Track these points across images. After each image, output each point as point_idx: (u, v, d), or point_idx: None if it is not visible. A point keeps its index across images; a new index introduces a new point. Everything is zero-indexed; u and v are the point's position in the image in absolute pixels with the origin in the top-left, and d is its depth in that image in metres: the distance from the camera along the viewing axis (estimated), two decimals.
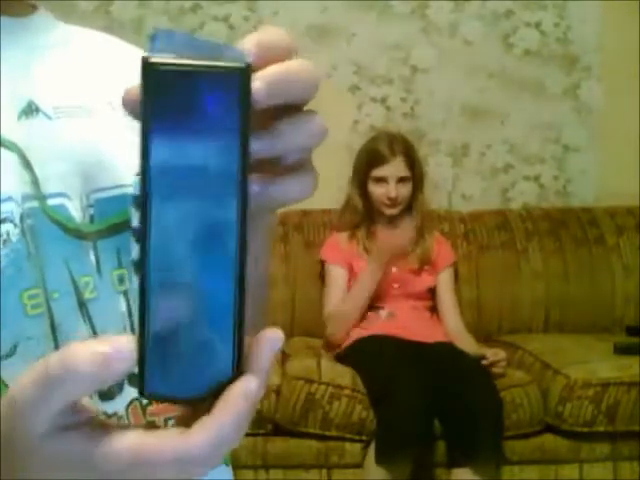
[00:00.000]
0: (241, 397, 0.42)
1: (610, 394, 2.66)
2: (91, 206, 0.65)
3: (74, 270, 0.63)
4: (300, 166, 0.49)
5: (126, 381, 0.65)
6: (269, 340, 0.43)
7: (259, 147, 0.45)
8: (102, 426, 0.44)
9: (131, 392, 0.65)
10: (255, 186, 0.46)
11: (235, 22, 3.42)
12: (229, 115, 0.41)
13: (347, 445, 2.63)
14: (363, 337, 2.84)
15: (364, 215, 3.05)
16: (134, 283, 0.42)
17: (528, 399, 2.68)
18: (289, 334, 3.04)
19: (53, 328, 0.61)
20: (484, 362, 2.73)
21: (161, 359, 0.42)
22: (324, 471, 2.64)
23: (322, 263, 3.10)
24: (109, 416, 0.64)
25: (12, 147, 0.61)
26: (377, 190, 3.00)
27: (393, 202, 2.99)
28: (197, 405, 0.43)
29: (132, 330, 0.65)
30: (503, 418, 2.57)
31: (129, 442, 0.42)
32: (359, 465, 2.61)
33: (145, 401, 0.66)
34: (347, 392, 2.63)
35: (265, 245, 0.62)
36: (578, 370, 2.71)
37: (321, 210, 3.19)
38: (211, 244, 0.41)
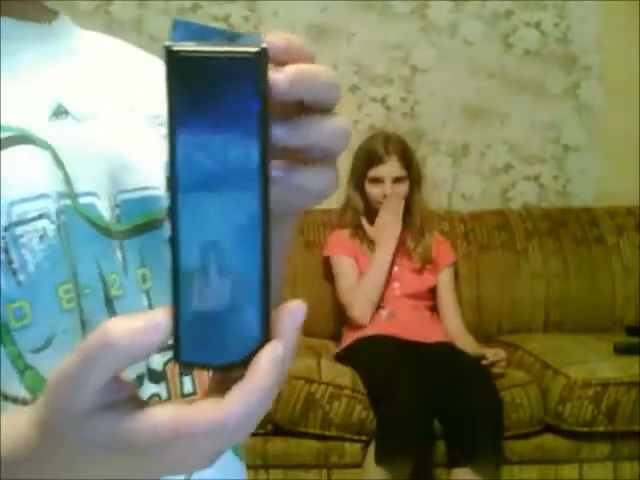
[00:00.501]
0: (269, 364, 0.43)
1: (610, 394, 2.66)
2: (117, 206, 0.67)
3: (103, 267, 0.64)
4: (324, 162, 0.50)
5: (146, 377, 0.66)
6: (292, 311, 0.45)
7: (282, 134, 0.47)
8: (141, 404, 0.45)
9: (151, 388, 0.67)
10: (278, 172, 0.48)
11: (235, 22, 3.42)
12: (249, 97, 0.43)
13: (347, 445, 2.63)
14: (363, 337, 2.85)
15: (364, 215, 3.05)
16: (167, 261, 0.44)
17: (528, 399, 2.68)
18: None
19: (82, 323, 0.63)
20: (484, 362, 2.73)
21: (194, 328, 0.44)
22: (324, 471, 2.64)
23: (326, 260, 3.10)
24: None
25: (45, 146, 0.63)
26: (373, 190, 3.01)
27: None
28: (229, 372, 0.45)
29: None
30: (503, 418, 2.57)
31: (167, 415, 0.44)
32: (359, 465, 2.61)
33: (164, 396, 0.68)
34: (347, 392, 2.63)
35: (282, 254, 0.63)
36: (578, 370, 2.71)
37: (321, 210, 3.19)
38: (237, 220, 0.43)
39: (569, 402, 2.66)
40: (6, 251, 0.59)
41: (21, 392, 0.60)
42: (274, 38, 0.46)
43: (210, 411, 0.44)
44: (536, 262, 3.24)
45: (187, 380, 0.70)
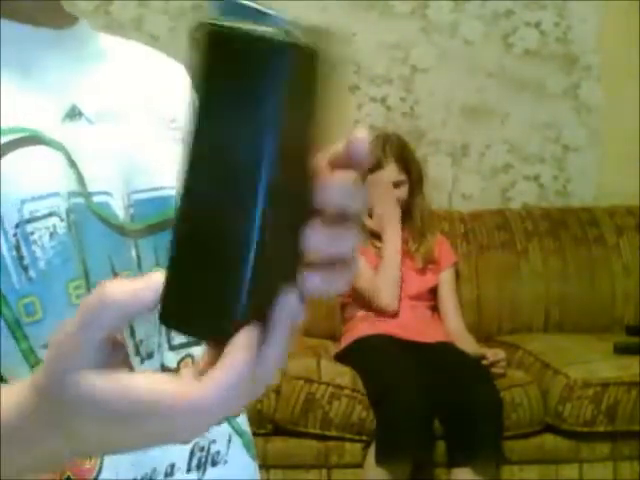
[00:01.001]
0: (241, 350, 0.44)
1: (610, 394, 2.66)
2: (131, 206, 0.68)
3: (116, 264, 0.66)
4: (345, 265, 0.49)
5: (167, 344, 0.68)
6: (286, 301, 0.46)
7: (320, 242, 0.47)
8: (129, 369, 0.47)
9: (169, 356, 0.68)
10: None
11: None
12: (269, 85, 0.43)
13: (347, 445, 2.63)
14: (363, 337, 2.84)
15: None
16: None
17: (528, 399, 2.68)
18: None
19: None
20: (484, 362, 2.73)
21: (181, 295, 0.45)
22: (324, 471, 2.64)
23: None
24: None
25: (58, 147, 0.65)
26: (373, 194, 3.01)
27: None
28: (217, 345, 0.45)
29: None
30: (503, 418, 2.57)
31: (146, 390, 0.45)
32: (359, 465, 2.61)
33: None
34: (347, 392, 2.63)
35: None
36: (578, 370, 2.71)
37: None
38: (236, 196, 0.43)
39: (569, 402, 2.66)
40: (17, 248, 0.61)
41: None
42: (359, 134, 0.48)
43: (187, 392, 0.44)
44: (536, 262, 3.24)
45: None
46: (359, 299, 2.94)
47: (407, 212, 3.03)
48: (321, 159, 0.47)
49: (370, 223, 3.02)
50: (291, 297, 0.46)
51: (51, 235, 0.62)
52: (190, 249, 0.44)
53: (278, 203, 0.44)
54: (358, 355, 2.77)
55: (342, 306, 3.05)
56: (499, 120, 3.52)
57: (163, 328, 0.67)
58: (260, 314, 0.45)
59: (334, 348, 2.96)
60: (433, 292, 3.04)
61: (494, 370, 2.72)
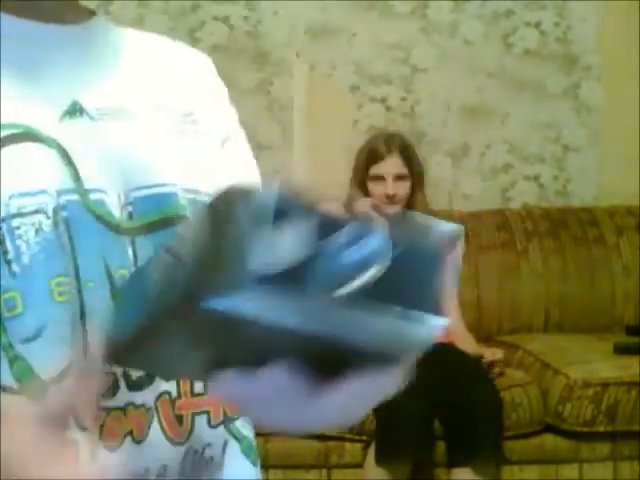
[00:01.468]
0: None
1: (610, 394, 2.66)
2: (130, 204, 0.68)
3: (110, 262, 0.66)
4: None
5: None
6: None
7: None
8: None
9: (162, 385, 0.67)
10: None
11: (235, 22, 3.42)
12: None
13: (347, 445, 2.63)
14: None
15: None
16: None
17: (528, 399, 2.68)
18: None
19: (83, 316, 0.64)
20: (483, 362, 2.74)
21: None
22: (324, 471, 2.64)
23: None
24: (137, 407, 0.66)
25: (51, 143, 0.65)
26: (375, 188, 3.01)
27: (391, 200, 2.98)
28: None
29: None
30: (503, 418, 2.57)
31: None
32: (359, 465, 2.61)
33: (174, 395, 0.68)
34: None
35: None
36: (578, 370, 2.71)
37: None
38: None
39: (569, 402, 2.66)
40: (1, 241, 0.62)
41: (9, 382, 0.61)
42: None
43: None
44: (536, 262, 3.24)
45: None
46: None
47: (408, 209, 3.03)
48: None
49: None
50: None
51: (36, 231, 0.62)
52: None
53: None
54: None
55: None
56: (499, 120, 3.52)
57: None
58: None
59: None
60: None
61: (493, 370, 2.72)
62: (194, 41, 3.23)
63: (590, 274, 3.23)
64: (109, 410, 0.64)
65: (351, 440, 2.62)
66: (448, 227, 0.46)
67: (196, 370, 0.47)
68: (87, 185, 0.66)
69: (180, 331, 0.44)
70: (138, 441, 0.66)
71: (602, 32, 3.52)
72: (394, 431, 2.49)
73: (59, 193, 0.64)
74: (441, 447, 2.61)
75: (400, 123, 3.44)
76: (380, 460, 2.49)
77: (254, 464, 0.76)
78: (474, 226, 3.30)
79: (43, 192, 0.63)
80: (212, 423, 0.70)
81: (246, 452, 0.75)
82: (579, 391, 2.67)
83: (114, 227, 0.66)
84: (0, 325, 0.61)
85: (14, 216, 0.62)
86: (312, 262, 0.42)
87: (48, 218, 0.63)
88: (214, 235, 0.43)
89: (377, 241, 0.43)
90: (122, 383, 0.65)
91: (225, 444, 0.72)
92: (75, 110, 0.68)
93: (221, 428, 0.72)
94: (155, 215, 0.68)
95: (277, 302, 0.41)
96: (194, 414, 0.69)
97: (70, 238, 0.64)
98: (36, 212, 0.63)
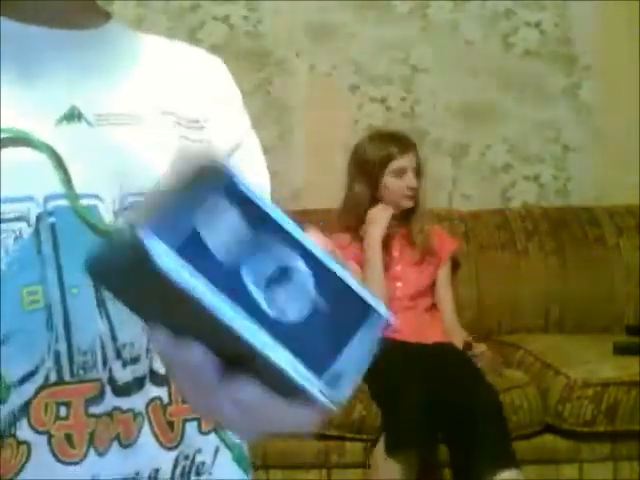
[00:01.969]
0: None
1: (610, 394, 2.66)
2: (126, 209, 0.68)
3: None
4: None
5: (148, 379, 0.68)
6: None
7: None
8: None
9: (152, 390, 0.68)
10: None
11: (235, 22, 3.42)
12: None
13: (347, 444, 2.63)
14: None
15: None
16: None
17: (527, 401, 2.68)
18: None
19: (67, 322, 0.64)
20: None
21: None
22: (324, 471, 2.64)
23: None
24: (123, 412, 0.67)
25: (43, 148, 0.65)
26: (397, 183, 2.94)
27: (412, 192, 2.96)
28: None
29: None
30: (505, 418, 2.56)
31: None
32: (359, 465, 2.61)
33: (166, 401, 0.69)
34: None
35: None
36: (578, 370, 2.71)
37: (321, 210, 3.19)
38: None
39: (569, 402, 2.66)
40: None
41: None
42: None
43: None
44: (536, 262, 3.24)
45: None
46: None
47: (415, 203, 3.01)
48: None
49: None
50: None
51: (15, 239, 0.63)
52: None
53: None
54: None
55: None
56: (499, 120, 3.52)
57: None
58: None
59: None
60: (432, 287, 3.03)
61: (489, 368, 2.73)
62: (194, 41, 3.22)
63: (590, 274, 3.23)
64: (97, 416, 0.66)
65: (351, 440, 2.62)
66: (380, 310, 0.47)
67: (146, 318, 0.48)
68: (80, 190, 0.66)
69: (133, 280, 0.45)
70: (126, 445, 0.67)
71: (602, 32, 3.52)
72: (401, 420, 2.49)
73: (47, 199, 0.64)
74: (442, 447, 2.61)
75: (400, 123, 3.44)
76: (391, 451, 2.48)
77: (245, 472, 0.76)
78: (474, 226, 3.30)
79: (29, 198, 0.64)
80: (203, 430, 0.71)
81: (238, 460, 0.75)
82: (579, 391, 2.67)
83: (103, 233, 0.66)
84: None
85: None
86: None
87: (29, 226, 0.63)
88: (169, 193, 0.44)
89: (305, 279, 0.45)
90: (108, 389, 0.66)
91: (216, 451, 0.73)
92: (73, 115, 0.68)
93: (212, 435, 0.72)
94: None
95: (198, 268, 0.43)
96: (185, 420, 0.70)
97: (55, 244, 0.64)
98: (18, 219, 0.63)
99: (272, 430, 0.50)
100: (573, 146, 3.55)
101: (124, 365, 0.67)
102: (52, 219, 0.64)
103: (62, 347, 0.65)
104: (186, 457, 0.70)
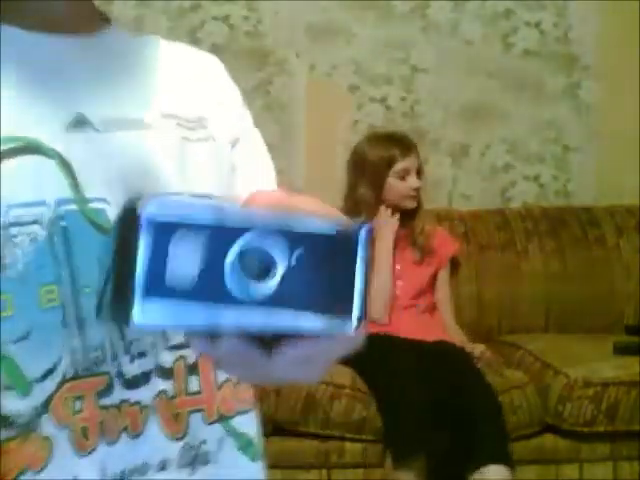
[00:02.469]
0: None
1: (610, 394, 2.66)
2: None
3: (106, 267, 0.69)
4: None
5: (155, 373, 0.71)
6: None
7: None
8: None
9: (159, 384, 0.72)
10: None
11: (235, 22, 3.42)
12: None
13: (347, 445, 2.63)
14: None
15: (372, 216, 2.98)
16: None
17: (527, 401, 2.68)
18: None
19: (80, 320, 0.68)
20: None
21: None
22: (324, 471, 2.64)
23: None
24: (131, 404, 0.70)
25: (52, 154, 0.68)
26: (400, 184, 2.96)
27: (416, 193, 2.97)
28: None
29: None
30: (504, 418, 2.57)
31: None
32: (359, 465, 2.61)
33: (171, 394, 0.72)
34: (347, 391, 2.63)
35: None
36: (578, 370, 2.71)
37: None
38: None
39: (569, 402, 2.66)
40: (0, 248, 0.66)
41: None
42: None
43: None
44: (536, 262, 3.24)
45: (194, 379, 0.74)
46: None
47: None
48: None
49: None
50: None
51: (31, 241, 0.66)
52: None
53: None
54: (358, 355, 2.76)
55: None
56: (499, 120, 3.52)
57: None
58: None
59: None
60: (432, 286, 3.04)
61: (486, 367, 2.72)
62: (194, 41, 3.22)
63: (590, 274, 3.23)
64: (107, 408, 0.69)
65: (351, 440, 2.62)
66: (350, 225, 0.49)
67: None
68: (88, 194, 0.69)
69: None
70: (134, 436, 0.70)
71: (602, 32, 3.52)
72: (402, 428, 2.49)
73: (58, 203, 0.68)
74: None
75: (400, 123, 3.44)
76: (399, 463, 2.49)
77: (253, 460, 0.81)
78: (474, 226, 3.30)
79: (41, 203, 0.67)
80: (207, 420, 0.75)
81: (244, 449, 0.79)
82: (579, 391, 2.67)
83: (111, 234, 0.68)
84: None
85: (12, 225, 0.66)
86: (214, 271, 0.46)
87: (43, 229, 0.67)
88: (121, 247, 0.47)
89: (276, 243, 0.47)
90: (117, 382, 0.70)
91: (221, 440, 0.76)
92: (79, 122, 0.70)
93: (217, 425, 0.75)
94: None
95: (189, 310, 0.46)
96: (190, 412, 0.73)
97: (68, 246, 0.68)
98: (33, 223, 0.66)
99: (328, 364, 0.56)
100: (573, 146, 3.55)
101: (132, 360, 0.70)
102: (63, 222, 0.67)
103: (77, 343, 0.68)
104: (192, 447, 0.73)
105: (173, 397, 0.72)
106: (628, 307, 3.21)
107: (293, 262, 0.47)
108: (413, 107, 3.50)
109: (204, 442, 0.74)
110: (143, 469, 0.70)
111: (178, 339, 0.71)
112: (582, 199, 3.53)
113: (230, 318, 0.46)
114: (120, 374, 0.70)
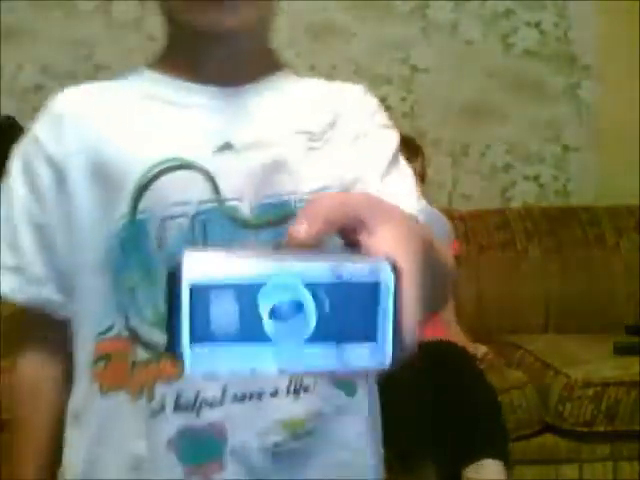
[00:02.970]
0: None
1: (610, 394, 2.66)
2: (256, 208, 0.95)
3: (235, 247, 0.86)
4: None
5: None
6: None
7: None
8: None
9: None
10: None
11: None
12: None
13: None
14: None
15: None
16: None
17: (527, 401, 2.68)
18: None
19: None
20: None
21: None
22: None
23: None
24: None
25: (201, 170, 0.95)
26: None
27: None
28: None
29: None
30: (503, 417, 2.57)
31: None
32: None
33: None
34: None
35: None
36: (578, 370, 2.71)
37: None
38: None
39: (569, 402, 2.66)
40: (159, 232, 0.93)
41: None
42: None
43: None
44: (536, 262, 3.24)
45: None
46: None
47: None
48: None
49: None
50: None
51: (179, 230, 0.93)
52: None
53: None
54: None
55: None
56: (499, 120, 3.52)
57: None
58: None
59: None
60: None
61: (482, 364, 2.73)
62: None
63: (590, 274, 3.23)
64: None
65: None
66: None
67: None
68: (226, 196, 0.94)
69: None
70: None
71: (602, 32, 3.52)
72: (402, 435, 2.49)
73: (200, 203, 0.93)
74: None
75: (400, 123, 3.43)
76: (404, 474, 2.49)
77: (347, 393, 1.00)
78: (474, 226, 3.30)
79: (187, 203, 0.93)
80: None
81: (336, 384, 0.98)
82: (579, 391, 2.67)
83: (242, 223, 0.94)
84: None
85: (169, 218, 0.93)
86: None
87: (188, 221, 0.93)
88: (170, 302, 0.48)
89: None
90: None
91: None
92: (225, 147, 0.96)
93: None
94: (273, 216, 0.95)
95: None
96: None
97: (205, 234, 0.93)
98: (181, 216, 0.93)
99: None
100: (573, 146, 3.56)
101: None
102: (203, 216, 0.93)
103: None
104: (296, 380, 0.95)
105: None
106: (628, 307, 3.20)
107: (326, 309, 0.48)
108: (413, 107, 3.50)
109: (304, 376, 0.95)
110: (259, 394, 0.92)
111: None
112: (582, 199, 3.53)
113: (275, 361, 0.48)
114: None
